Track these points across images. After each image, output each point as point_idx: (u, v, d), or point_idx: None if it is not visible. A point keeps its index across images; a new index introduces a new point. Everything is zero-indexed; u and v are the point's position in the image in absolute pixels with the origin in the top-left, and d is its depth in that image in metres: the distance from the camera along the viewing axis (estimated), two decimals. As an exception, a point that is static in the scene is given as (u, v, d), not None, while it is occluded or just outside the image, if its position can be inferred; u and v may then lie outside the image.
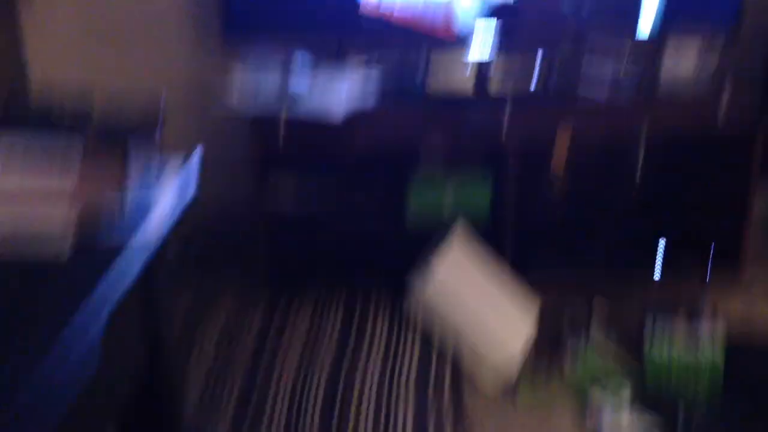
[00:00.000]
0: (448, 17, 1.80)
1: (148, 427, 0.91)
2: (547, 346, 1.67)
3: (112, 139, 0.89)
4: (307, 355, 1.63)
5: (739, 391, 1.52)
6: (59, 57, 1.96)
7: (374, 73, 1.78)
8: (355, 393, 1.53)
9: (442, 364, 1.62)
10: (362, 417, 1.46)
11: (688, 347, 1.54)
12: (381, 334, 1.71)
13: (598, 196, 2.00)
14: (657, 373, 1.56)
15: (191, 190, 0.90)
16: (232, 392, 1.51)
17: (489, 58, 1.81)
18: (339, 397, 1.51)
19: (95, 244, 0.69)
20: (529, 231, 1.90)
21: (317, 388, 1.53)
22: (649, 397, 1.50)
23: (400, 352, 1.65)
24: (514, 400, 1.54)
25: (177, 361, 0.96)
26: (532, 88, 1.80)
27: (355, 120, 1.71)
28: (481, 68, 1.82)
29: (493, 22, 1.80)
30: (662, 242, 1.95)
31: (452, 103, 1.79)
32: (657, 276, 1.93)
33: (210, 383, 1.54)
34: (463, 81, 1.82)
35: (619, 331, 1.67)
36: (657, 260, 1.95)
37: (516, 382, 1.58)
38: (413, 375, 1.59)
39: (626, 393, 1.50)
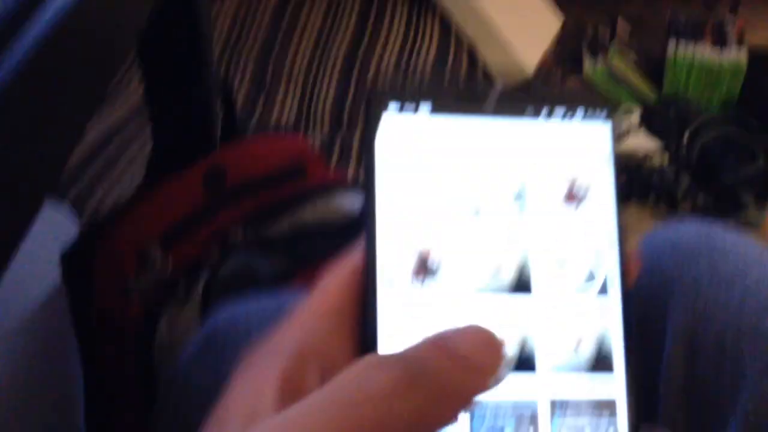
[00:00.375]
0: None
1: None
2: (566, 64, 1.66)
3: None
4: (322, 39, 1.61)
5: (756, 104, 1.51)
6: None
7: None
8: (369, 80, 1.54)
9: (460, 53, 1.61)
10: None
11: (712, 50, 1.52)
12: (400, 19, 1.68)
13: None
14: (676, 76, 1.54)
15: None
16: (245, 75, 1.51)
17: None
18: (353, 81, 1.52)
19: None
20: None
21: (331, 73, 1.54)
22: (658, 122, 1.52)
23: (418, 39, 1.64)
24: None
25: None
26: None
27: None
28: None
29: None
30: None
31: None
32: None
33: (221, 66, 1.53)
34: None
35: (639, 56, 1.65)
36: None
37: (532, 78, 1.59)
38: (429, 63, 1.59)
39: (635, 117, 1.52)
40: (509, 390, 0.28)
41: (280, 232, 0.91)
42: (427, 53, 1.61)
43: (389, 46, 1.61)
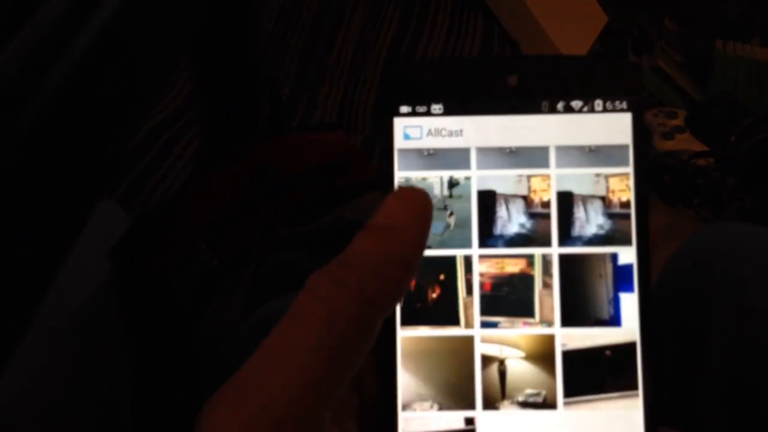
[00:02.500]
0: None
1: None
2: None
3: None
4: (365, 37, 1.62)
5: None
6: None
7: None
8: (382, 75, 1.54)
9: (504, 47, 1.61)
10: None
11: (761, 49, 1.49)
12: (443, 16, 1.68)
13: None
14: (724, 76, 1.51)
15: None
16: (288, 73, 1.52)
17: None
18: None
19: None
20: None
21: (374, 71, 1.54)
22: (704, 123, 1.50)
23: (461, 36, 1.63)
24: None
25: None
26: None
27: None
28: None
29: None
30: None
31: None
32: None
33: (267, 55, 1.55)
34: None
35: (686, 56, 1.63)
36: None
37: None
38: (474, 54, 1.58)
39: (680, 119, 1.50)
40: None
41: (323, 227, 0.91)
42: (471, 51, 1.60)
43: (432, 44, 1.61)
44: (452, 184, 0.29)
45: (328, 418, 0.23)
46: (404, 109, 0.29)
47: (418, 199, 0.25)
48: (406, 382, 0.28)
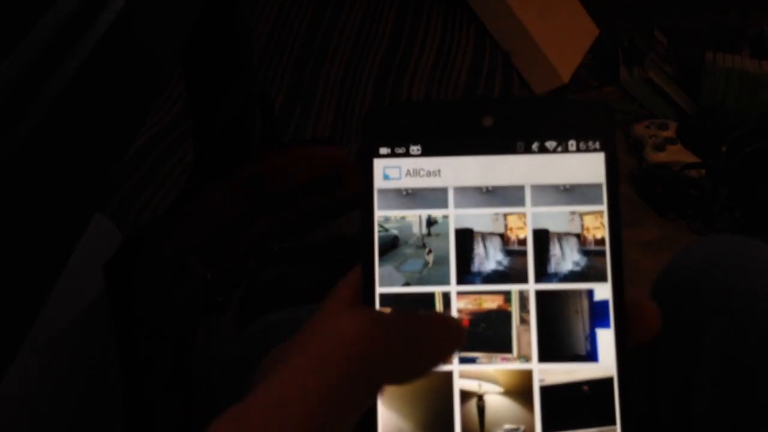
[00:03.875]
0: None
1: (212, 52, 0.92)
2: (602, 73, 1.65)
3: None
4: (358, 48, 1.62)
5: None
6: None
7: None
8: (406, 82, 1.55)
9: (495, 62, 1.62)
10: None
11: (751, 61, 1.50)
12: (435, 27, 1.68)
13: None
14: (714, 87, 1.51)
15: None
16: (282, 85, 1.53)
17: None
18: (389, 90, 1.53)
19: None
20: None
21: (367, 82, 1.55)
22: (695, 134, 1.50)
23: (453, 46, 1.64)
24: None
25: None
26: None
27: None
28: None
29: None
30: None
31: None
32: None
33: (261, 68, 1.55)
34: None
35: (676, 66, 1.64)
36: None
37: (568, 87, 1.59)
38: (465, 72, 1.59)
39: (671, 131, 1.51)
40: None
41: (317, 241, 0.92)
42: (462, 61, 1.61)
43: (425, 54, 1.61)
44: (430, 222, 0.30)
45: None
46: (383, 150, 0.30)
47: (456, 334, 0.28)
48: (386, 418, 0.28)
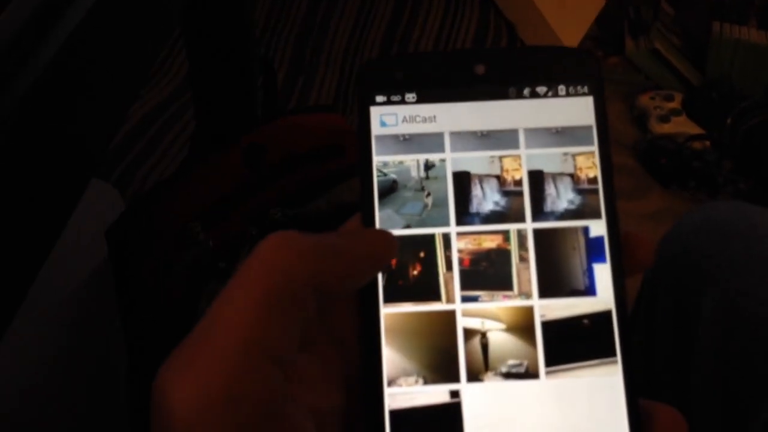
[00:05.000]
0: None
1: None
2: (607, 45, 1.64)
3: None
4: (362, 17, 1.61)
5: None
6: None
7: None
8: (410, 50, 1.54)
9: (500, 33, 1.61)
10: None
11: (758, 32, 1.49)
12: (439, 1, 1.67)
13: None
14: (720, 58, 1.50)
15: None
16: (284, 56, 1.52)
17: None
18: (393, 53, 1.52)
19: None
20: None
21: (371, 52, 1.54)
22: (700, 106, 1.49)
23: (457, 18, 1.63)
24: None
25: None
26: None
27: None
28: None
29: None
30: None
31: None
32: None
33: (261, 46, 1.54)
34: None
35: (682, 38, 1.63)
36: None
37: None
38: (470, 37, 1.58)
39: (676, 102, 1.50)
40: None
41: (319, 209, 0.92)
42: (467, 33, 1.60)
43: (428, 25, 1.61)
44: (428, 166, 0.30)
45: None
46: (380, 98, 0.31)
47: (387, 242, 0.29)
48: (390, 358, 0.29)
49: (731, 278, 0.56)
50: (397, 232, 0.30)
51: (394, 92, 0.30)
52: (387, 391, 0.28)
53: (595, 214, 0.30)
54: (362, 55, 1.52)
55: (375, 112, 0.31)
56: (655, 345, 0.61)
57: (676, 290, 0.59)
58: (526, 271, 0.29)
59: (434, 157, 0.30)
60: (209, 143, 0.99)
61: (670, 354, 0.60)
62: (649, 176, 1.42)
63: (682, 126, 1.45)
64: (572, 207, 0.30)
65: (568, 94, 0.31)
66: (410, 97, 0.30)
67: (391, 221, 0.30)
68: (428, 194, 0.30)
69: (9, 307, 0.39)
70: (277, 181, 0.92)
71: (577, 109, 0.31)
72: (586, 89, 0.31)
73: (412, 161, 0.30)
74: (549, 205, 0.30)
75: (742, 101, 1.41)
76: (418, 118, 0.30)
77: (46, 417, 0.79)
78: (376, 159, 0.30)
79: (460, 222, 0.30)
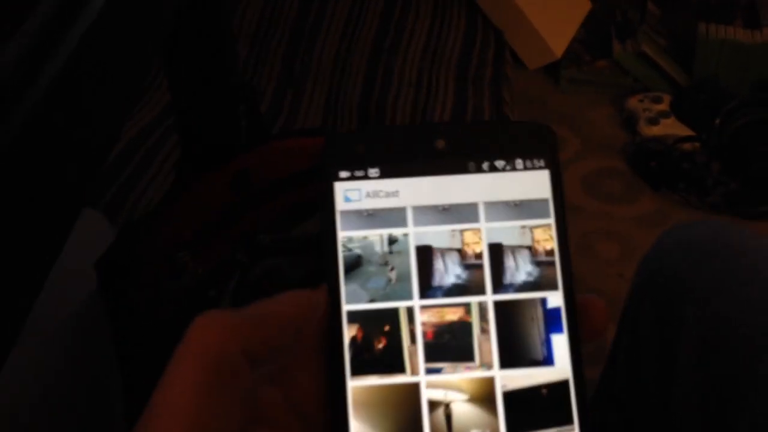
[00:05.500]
0: None
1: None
2: (595, 46, 1.64)
3: None
4: (350, 28, 1.62)
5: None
6: None
7: None
8: (397, 62, 1.54)
9: (488, 38, 1.61)
10: (404, 83, 1.49)
11: (744, 31, 1.49)
12: (426, 4, 1.67)
13: None
14: (707, 59, 1.50)
15: None
16: (273, 70, 1.52)
17: None
18: (380, 72, 1.53)
19: None
20: None
21: (359, 64, 1.54)
22: (688, 107, 1.50)
23: (445, 24, 1.63)
24: (557, 80, 1.57)
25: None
26: None
27: None
28: None
29: None
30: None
31: None
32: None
33: (250, 60, 1.55)
34: None
35: (669, 39, 1.63)
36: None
37: (561, 62, 1.59)
38: (457, 49, 1.58)
39: (664, 104, 1.50)
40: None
41: (308, 232, 0.92)
42: (455, 39, 1.60)
43: (416, 35, 1.61)
44: (392, 241, 0.31)
45: None
46: (344, 174, 0.31)
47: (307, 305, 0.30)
48: (357, 430, 0.29)
49: (710, 297, 0.56)
50: (362, 306, 0.30)
51: (358, 168, 0.31)
52: None
53: (553, 286, 0.31)
54: (351, 68, 1.52)
55: (339, 187, 0.31)
56: (640, 356, 0.62)
57: (658, 306, 0.60)
58: (487, 343, 0.30)
59: (397, 232, 0.31)
60: (194, 170, 0.99)
61: (653, 366, 0.61)
62: (639, 179, 1.43)
63: (671, 128, 1.46)
64: (530, 279, 0.31)
65: (525, 168, 0.31)
66: (373, 172, 0.31)
67: (356, 296, 0.31)
68: (392, 269, 0.31)
69: (7, 340, 0.39)
70: (263, 207, 0.93)
71: (534, 183, 0.31)
72: (542, 163, 0.32)
73: (376, 236, 0.31)
74: (508, 278, 0.31)
75: (729, 101, 1.41)
76: (381, 193, 0.31)
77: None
78: (341, 234, 0.31)
79: (423, 295, 0.31)
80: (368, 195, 0.31)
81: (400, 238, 0.31)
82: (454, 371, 0.30)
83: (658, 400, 0.59)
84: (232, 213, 0.92)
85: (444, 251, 0.31)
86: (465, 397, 0.30)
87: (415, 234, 0.31)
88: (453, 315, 0.30)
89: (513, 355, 0.30)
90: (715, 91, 1.47)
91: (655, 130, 1.47)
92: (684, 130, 1.45)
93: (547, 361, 0.30)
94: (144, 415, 0.26)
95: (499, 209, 0.31)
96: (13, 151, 0.39)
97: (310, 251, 0.91)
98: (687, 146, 1.41)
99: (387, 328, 0.30)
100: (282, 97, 1.45)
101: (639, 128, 1.48)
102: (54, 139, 0.44)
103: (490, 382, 0.30)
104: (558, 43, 1.61)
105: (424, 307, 0.30)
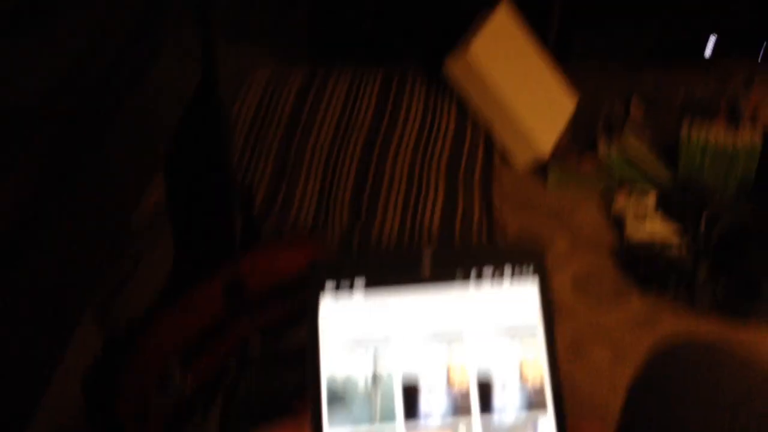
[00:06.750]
0: None
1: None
2: (581, 143, 1.67)
3: None
4: (342, 126, 1.65)
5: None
6: None
7: None
8: (389, 158, 1.56)
9: (477, 136, 1.64)
10: (395, 184, 1.51)
11: (726, 133, 1.52)
12: (417, 103, 1.71)
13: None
14: (691, 157, 1.53)
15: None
16: (267, 165, 1.54)
17: None
18: (372, 169, 1.55)
19: None
20: (574, 14, 1.83)
21: (351, 160, 1.56)
22: (675, 205, 1.52)
23: (435, 122, 1.66)
24: (545, 181, 1.60)
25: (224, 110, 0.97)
26: None
27: None
28: None
29: None
30: (711, 39, 1.88)
31: None
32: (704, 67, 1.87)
33: (245, 154, 1.57)
34: None
35: (654, 134, 1.66)
36: (704, 54, 1.89)
37: (548, 162, 1.61)
38: (447, 146, 1.61)
39: (651, 200, 1.52)
40: None
41: (298, 343, 0.92)
42: (444, 137, 1.64)
43: (407, 131, 1.64)
44: (377, 373, 0.31)
45: None
46: (330, 302, 0.32)
47: None
48: None
49: (703, 424, 0.57)
50: None
51: (344, 295, 0.31)
52: None
53: (543, 411, 0.31)
54: (343, 162, 1.54)
55: (325, 316, 0.31)
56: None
57: (651, 411, 0.62)
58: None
59: (383, 363, 0.31)
60: (188, 275, 1.00)
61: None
62: (629, 279, 1.43)
63: (658, 225, 1.48)
64: (520, 404, 0.31)
65: (512, 294, 0.32)
66: (358, 299, 0.31)
67: (340, 428, 0.30)
68: (377, 401, 0.31)
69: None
70: (255, 316, 0.93)
71: (523, 310, 0.31)
72: (533, 285, 0.32)
73: (361, 369, 0.31)
74: (497, 405, 0.31)
75: (713, 201, 1.44)
76: (367, 322, 0.31)
77: None
78: (326, 367, 0.31)
79: (408, 427, 0.31)
80: (355, 323, 0.31)
81: (386, 369, 0.31)
82: None
83: None
84: (224, 323, 0.92)
85: (430, 382, 0.31)
86: None
87: (400, 364, 0.31)
88: None
89: None
90: (699, 190, 1.50)
91: (642, 231, 1.48)
92: (671, 225, 1.46)
93: None
94: None
95: (488, 339, 0.31)
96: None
97: (299, 362, 0.90)
98: (675, 251, 1.43)
99: None
100: (276, 192, 1.46)
101: (626, 225, 1.50)
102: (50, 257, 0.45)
103: None
104: (545, 143, 1.64)
105: None
